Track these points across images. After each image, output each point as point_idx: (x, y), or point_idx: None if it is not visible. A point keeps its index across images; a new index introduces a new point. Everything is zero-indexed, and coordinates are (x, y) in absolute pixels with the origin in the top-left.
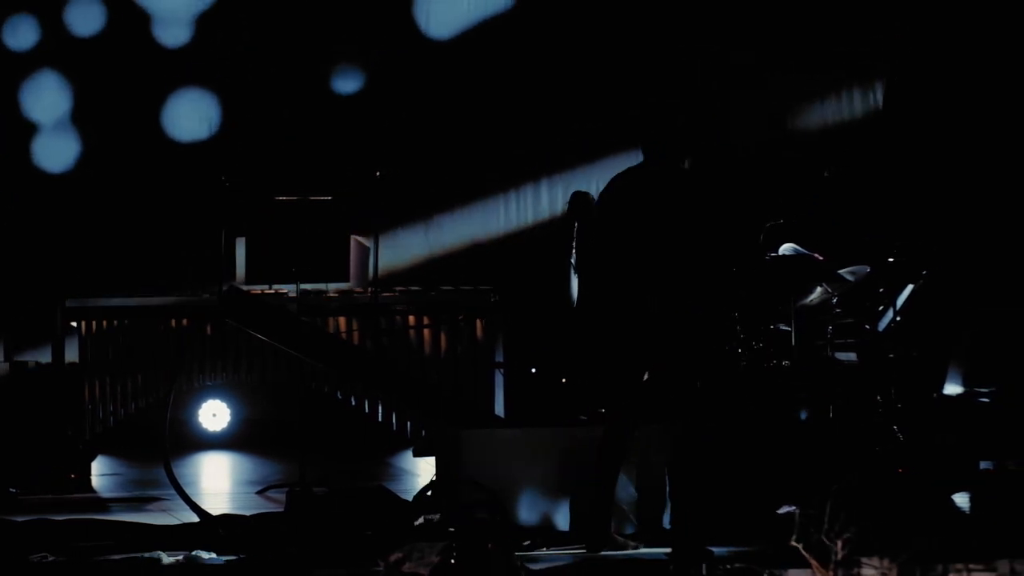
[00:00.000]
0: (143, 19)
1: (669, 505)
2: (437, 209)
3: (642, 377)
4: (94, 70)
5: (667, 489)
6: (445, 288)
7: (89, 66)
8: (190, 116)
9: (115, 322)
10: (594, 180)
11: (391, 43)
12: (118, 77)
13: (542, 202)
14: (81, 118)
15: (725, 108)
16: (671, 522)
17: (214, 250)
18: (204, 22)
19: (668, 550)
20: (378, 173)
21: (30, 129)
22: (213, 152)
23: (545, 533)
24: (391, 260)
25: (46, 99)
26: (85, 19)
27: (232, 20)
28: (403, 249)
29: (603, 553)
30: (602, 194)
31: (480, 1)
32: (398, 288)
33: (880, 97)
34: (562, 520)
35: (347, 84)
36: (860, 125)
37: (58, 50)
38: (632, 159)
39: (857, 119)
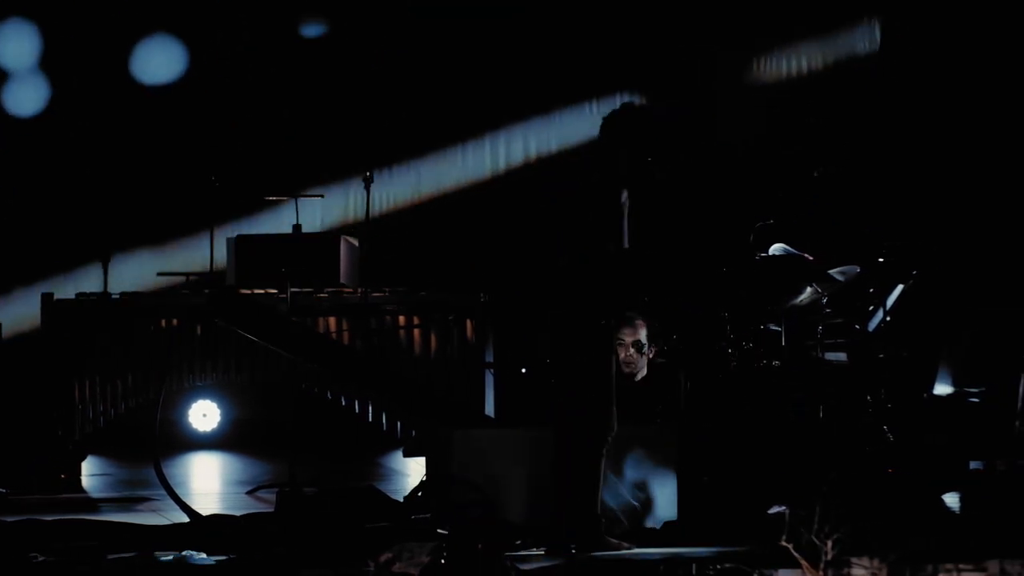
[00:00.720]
0: None
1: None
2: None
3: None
4: (63, 16)
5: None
6: (435, 288)
7: (58, 12)
8: (158, 61)
9: (105, 322)
10: (554, 132)
11: None
12: (87, 23)
13: (499, 153)
14: (50, 64)
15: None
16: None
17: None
18: None
19: (658, 550)
20: (367, 173)
21: (0, 76)
22: (180, 96)
23: (535, 533)
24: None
25: (15, 46)
26: None
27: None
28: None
29: (594, 554)
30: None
31: None
32: (388, 288)
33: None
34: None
35: (313, 29)
36: (858, 66)
37: None
38: (586, 109)
39: (858, 59)
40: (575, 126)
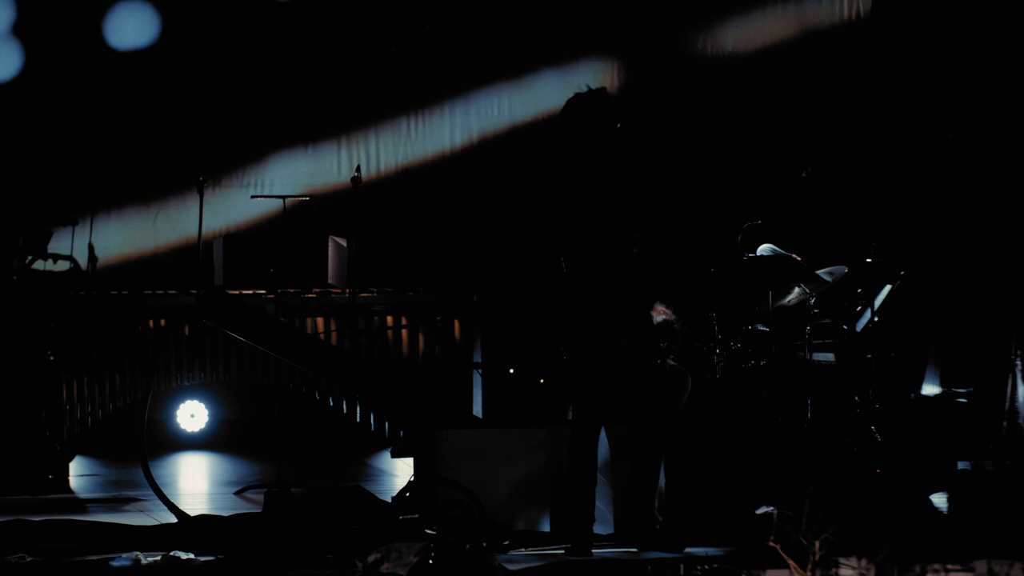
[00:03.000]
0: None
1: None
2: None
3: (606, 378)
4: None
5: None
6: (423, 289)
7: None
8: (132, 27)
9: (93, 322)
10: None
11: None
12: None
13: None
14: (23, 30)
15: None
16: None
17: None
18: None
19: (643, 550)
20: (355, 174)
21: None
22: (154, 61)
23: (523, 534)
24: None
25: None
26: None
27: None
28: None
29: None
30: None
31: None
32: (376, 289)
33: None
34: (541, 521)
35: None
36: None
37: None
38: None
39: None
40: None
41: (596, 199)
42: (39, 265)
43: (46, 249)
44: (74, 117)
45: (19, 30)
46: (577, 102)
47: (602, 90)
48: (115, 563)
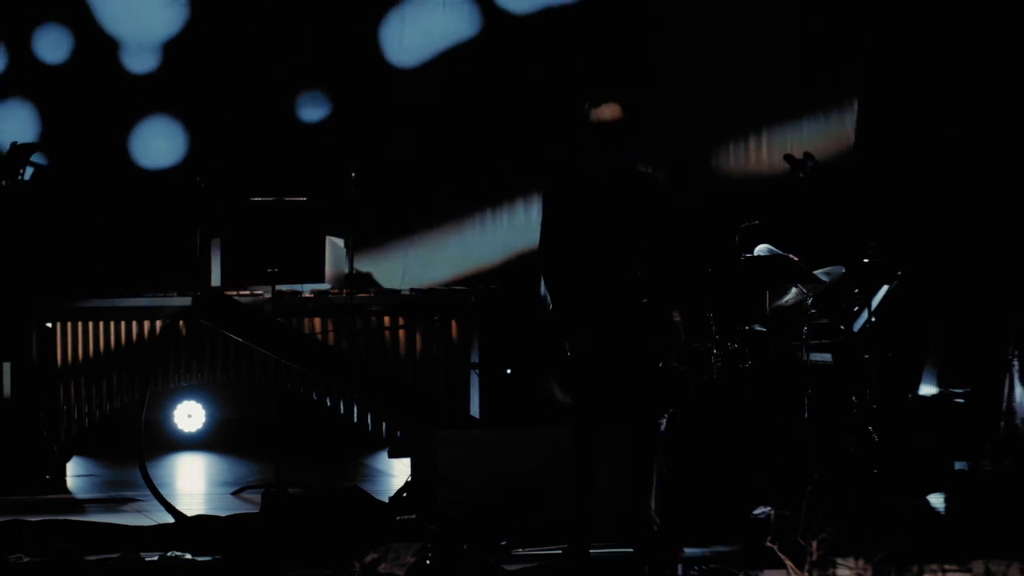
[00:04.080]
0: (111, 46)
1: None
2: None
3: (608, 377)
4: (62, 97)
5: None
6: (421, 289)
7: (57, 93)
8: (158, 143)
9: (90, 323)
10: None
11: (357, 71)
12: (86, 104)
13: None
14: (49, 145)
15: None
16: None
17: (189, 251)
18: (172, 49)
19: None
20: (353, 174)
21: None
22: (181, 179)
23: (521, 534)
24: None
25: (14, 126)
26: (53, 46)
27: (199, 47)
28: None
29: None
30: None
31: (448, 30)
32: (373, 289)
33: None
34: (539, 521)
35: (313, 112)
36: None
37: (26, 77)
38: None
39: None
40: None
41: (600, 199)
42: None
43: None
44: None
45: (45, 145)
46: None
47: (606, 93)
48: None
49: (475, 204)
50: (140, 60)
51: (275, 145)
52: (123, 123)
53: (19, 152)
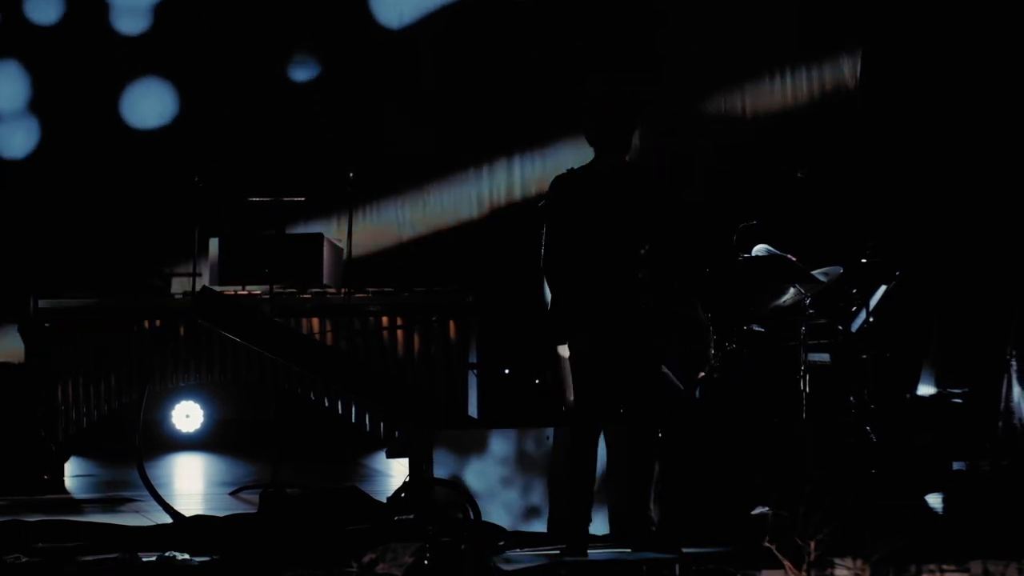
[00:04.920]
0: (102, 8)
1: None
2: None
3: (607, 378)
4: (53, 58)
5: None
6: (419, 289)
7: (48, 54)
8: (148, 104)
9: (88, 323)
10: (549, 162)
11: (347, 32)
12: (77, 65)
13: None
14: (40, 106)
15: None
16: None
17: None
18: (162, 10)
19: (639, 550)
20: (351, 174)
21: None
22: (171, 140)
23: (519, 534)
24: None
25: (5, 88)
26: (44, 8)
27: (190, 9)
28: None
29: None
30: (550, 196)
31: None
32: (371, 289)
33: (850, 73)
34: (536, 521)
35: (303, 72)
36: (832, 100)
37: (17, 39)
38: None
39: (830, 93)
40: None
41: (604, 198)
42: None
43: None
44: (94, 197)
45: (36, 106)
46: (591, 103)
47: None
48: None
49: (462, 161)
50: (131, 21)
51: (265, 105)
52: (114, 84)
53: None
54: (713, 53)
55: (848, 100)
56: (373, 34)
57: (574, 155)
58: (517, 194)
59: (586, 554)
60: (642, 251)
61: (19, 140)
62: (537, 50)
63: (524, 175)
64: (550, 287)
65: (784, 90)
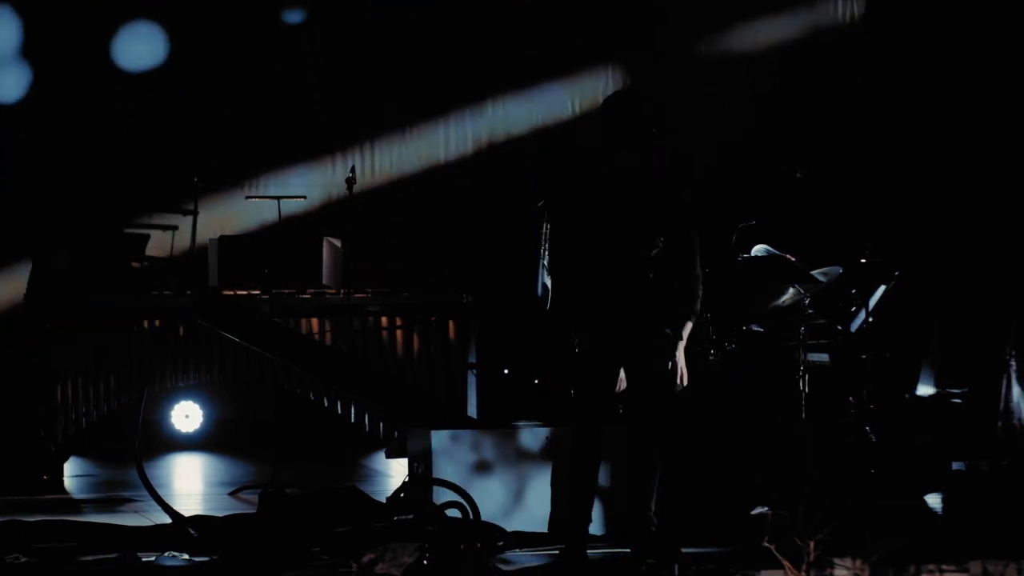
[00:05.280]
0: None
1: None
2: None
3: (608, 377)
4: (43, 1)
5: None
6: (418, 289)
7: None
8: (139, 47)
9: (88, 323)
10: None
11: None
12: (67, 8)
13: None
14: (32, 50)
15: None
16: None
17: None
18: None
19: (637, 550)
20: (350, 174)
21: None
22: (162, 82)
23: (518, 534)
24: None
25: None
26: None
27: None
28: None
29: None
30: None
31: None
32: (371, 289)
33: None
34: (536, 521)
35: (294, 15)
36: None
37: None
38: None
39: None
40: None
41: (616, 197)
42: None
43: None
44: (82, 137)
45: (28, 50)
46: (612, 100)
47: (636, 92)
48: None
49: (440, 103)
50: None
51: (258, 50)
52: (105, 28)
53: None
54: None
55: (841, 37)
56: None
57: None
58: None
59: (586, 554)
60: (652, 252)
61: (11, 83)
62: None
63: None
64: (555, 285)
65: (777, 29)
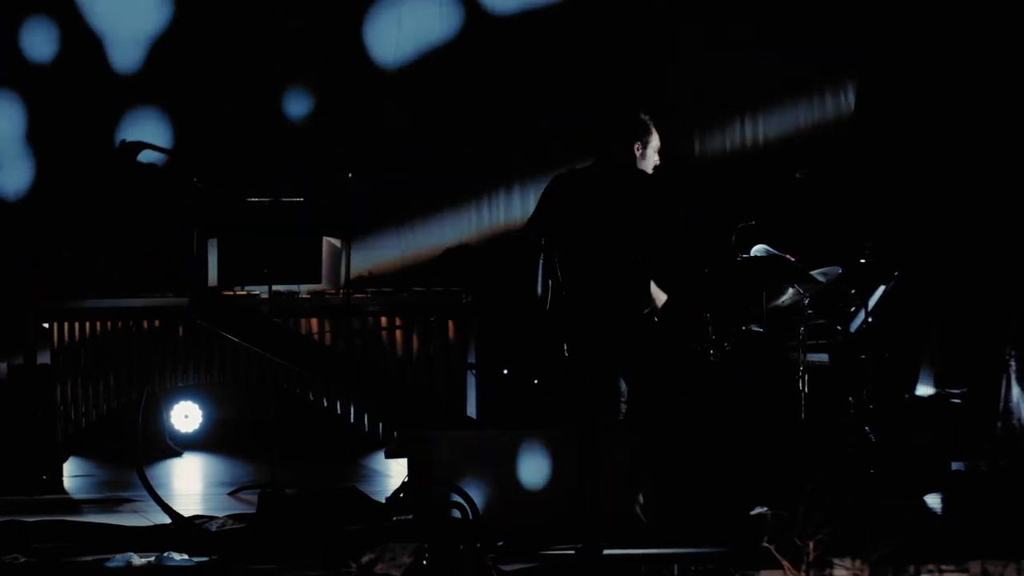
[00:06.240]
0: (97, 43)
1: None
2: (410, 217)
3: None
4: (49, 92)
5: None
6: (417, 289)
7: (44, 88)
8: (144, 137)
9: (87, 323)
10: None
11: (341, 68)
12: (73, 99)
13: (513, 209)
14: (36, 140)
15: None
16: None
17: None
18: (158, 45)
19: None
20: (350, 174)
21: None
22: (168, 173)
23: (518, 534)
24: (363, 264)
25: (1, 121)
26: (39, 43)
27: (185, 43)
28: (375, 252)
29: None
30: (547, 195)
31: (432, 28)
32: (370, 289)
33: (852, 99)
34: (535, 521)
35: (298, 107)
36: (831, 128)
37: (13, 72)
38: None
39: (829, 121)
40: None
41: (605, 200)
42: None
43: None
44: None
45: (32, 139)
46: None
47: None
48: (109, 564)
49: (453, 198)
50: (126, 55)
51: (261, 140)
52: (110, 118)
53: (129, 149)
54: (713, 89)
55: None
56: (367, 70)
57: None
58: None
59: (601, 552)
60: (643, 253)
61: (16, 174)
62: (540, 83)
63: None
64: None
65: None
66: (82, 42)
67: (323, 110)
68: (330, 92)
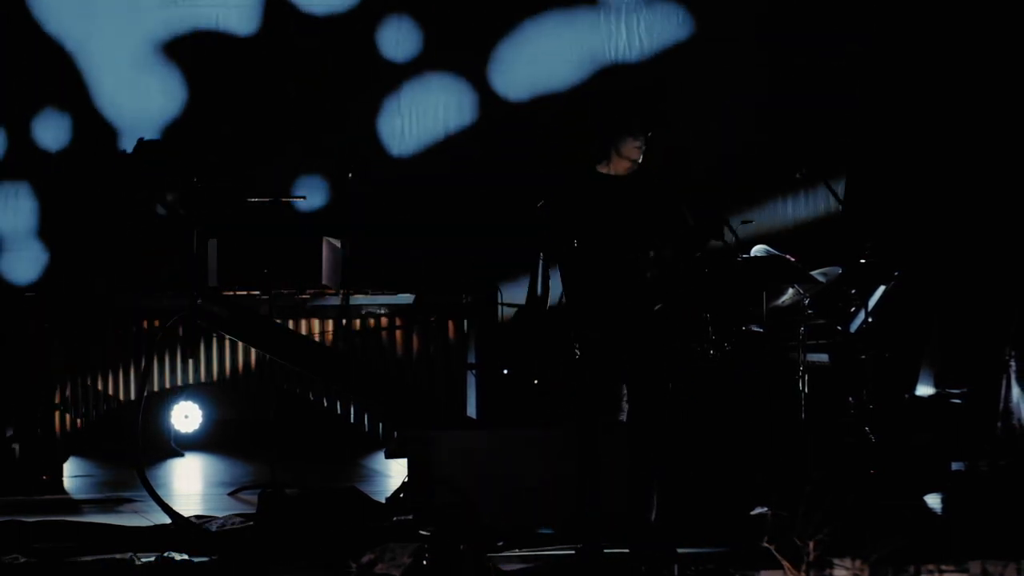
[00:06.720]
0: (110, 132)
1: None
2: None
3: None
4: (61, 181)
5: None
6: (417, 289)
7: (56, 177)
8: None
9: (87, 323)
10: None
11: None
12: (85, 188)
13: None
14: (49, 228)
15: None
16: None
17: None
18: (170, 133)
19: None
20: (350, 174)
21: None
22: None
23: (518, 535)
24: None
25: (13, 212)
26: (52, 132)
27: (197, 132)
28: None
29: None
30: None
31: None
32: (371, 289)
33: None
34: (535, 521)
35: (311, 199)
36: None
37: (25, 161)
38: None
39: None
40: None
41: (612, 200)
42: None
43: None
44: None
45: (44, 230)
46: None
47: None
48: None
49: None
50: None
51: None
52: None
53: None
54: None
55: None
56: (381, 159)
57: None
58: None
59: (603, 552)
60: (651, 253)
61: (27, 264)
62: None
63: None
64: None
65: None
66: (95, 131)
67: (336, 201)
68: (342, 183)
